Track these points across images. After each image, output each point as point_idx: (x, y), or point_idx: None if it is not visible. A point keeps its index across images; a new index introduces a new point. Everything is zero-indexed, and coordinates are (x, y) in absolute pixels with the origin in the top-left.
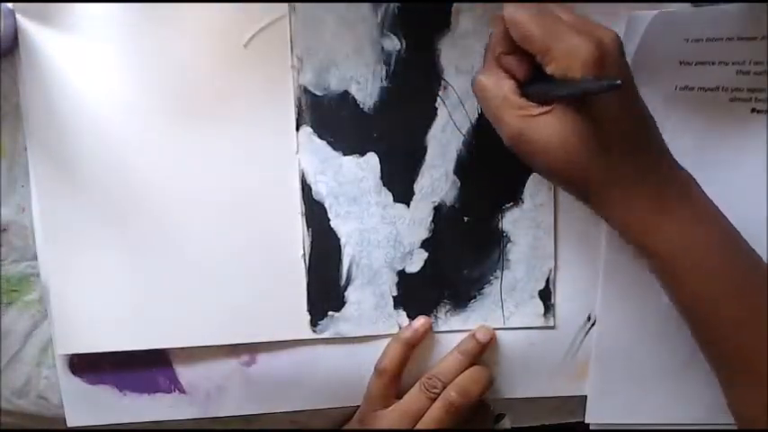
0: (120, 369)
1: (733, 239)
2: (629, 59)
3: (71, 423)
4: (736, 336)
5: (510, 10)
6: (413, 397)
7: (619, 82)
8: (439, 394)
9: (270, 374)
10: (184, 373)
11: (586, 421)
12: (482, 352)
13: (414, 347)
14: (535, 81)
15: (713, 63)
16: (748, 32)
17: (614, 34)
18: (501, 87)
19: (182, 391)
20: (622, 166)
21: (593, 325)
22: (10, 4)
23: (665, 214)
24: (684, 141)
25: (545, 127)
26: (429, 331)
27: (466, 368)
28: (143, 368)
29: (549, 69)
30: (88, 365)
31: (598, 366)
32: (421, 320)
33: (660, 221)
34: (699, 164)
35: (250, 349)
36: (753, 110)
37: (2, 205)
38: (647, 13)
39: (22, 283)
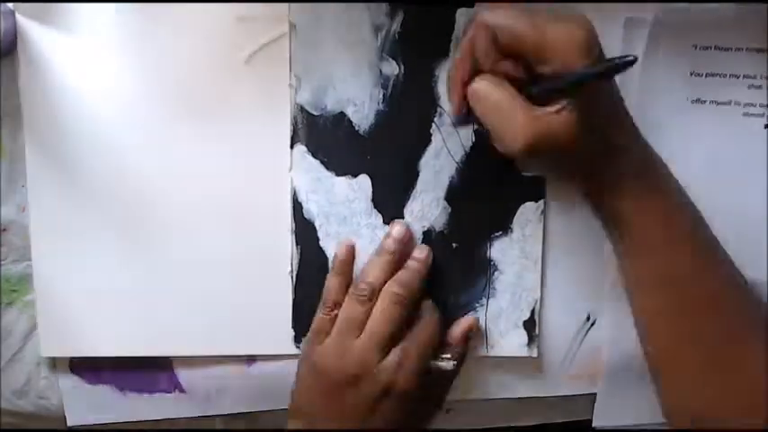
0: (120, 369)
1: (701, 223)
2: (638, 66)
3: (71, 422)
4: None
5: (491, 16)
6: (345, 308)
7: (634, 56)
8: (368, 297)
9: (270, 373)
10: (184, 372)
11: (594, 425)
12: (404, 250)
13: (351, 274)
14: (530, 82)
15: (724, 75)
16: (756, 43)
17: (585, 17)
18: (506, 91)
19: (182, 390)
20: (617, 151)
21: (592, 325)
22: (10, 5)
23: (646, 191)
24: (697, 155)
25: (563, 124)
26: (354, 253)
27: (392, 269)
28: (143, 368)
29: (548, 65)
30: (88, 365)
31: (609, 370)
32: (344, 244)
33: (642, 198)
34: (710, 178)
35: None
36: (767, 126)
37: (2, 205)
38: (646, 16)
39: (21, 283)
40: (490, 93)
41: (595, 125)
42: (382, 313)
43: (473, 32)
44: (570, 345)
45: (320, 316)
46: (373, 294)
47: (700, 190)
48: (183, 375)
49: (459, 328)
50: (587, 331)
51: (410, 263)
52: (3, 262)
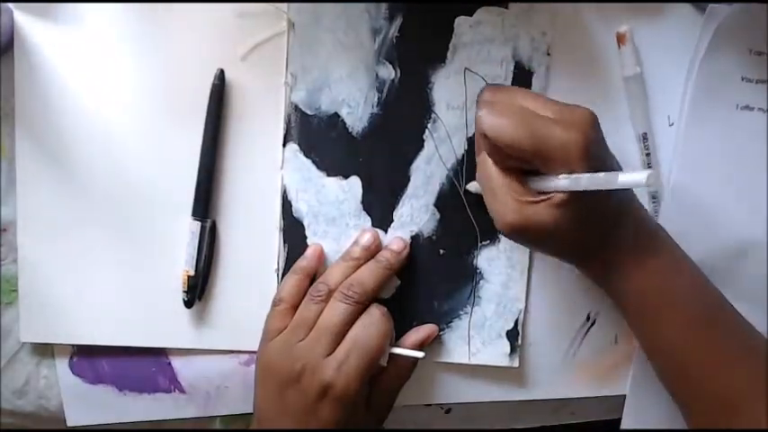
0: (119, 368)
1: (701, 283)
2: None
3: (71, 423)
4: (709, 377)
5: (489, 127)
6: (302, 309)
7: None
8: (323, 299)
9: None
10: (184, 372)
11: (622, 427)
12: (370, 258)
13: (310, 277)
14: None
15: None
16: None
17: (589, 113)
18: (507, 174)
19: (181, 390)
20: (611, 237)
21: (592, 325)
22: (9, 3)
23: (640, 267)
24: (743, 162)
25: (548, 213)
26: (323, 259)
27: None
28: (143, 367)
29: (549, 169)
30: (88, 365)
31: (638, 372)
32: (313, 247)
33: (636, 274)
34: (755, 184)
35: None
36: None
37: (2, 205)
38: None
39: None
40: (488, 168)
41: (587, 220)
42: (329, 310)
43: (476, 136)
44: (567, 351)
45: (272, 312)
46: (329, 296)
47: (741, 196)
48: (183, 375)
49: (416, 335)
50: (587, 332)
51: (381, 254)
52: (3, 262)
